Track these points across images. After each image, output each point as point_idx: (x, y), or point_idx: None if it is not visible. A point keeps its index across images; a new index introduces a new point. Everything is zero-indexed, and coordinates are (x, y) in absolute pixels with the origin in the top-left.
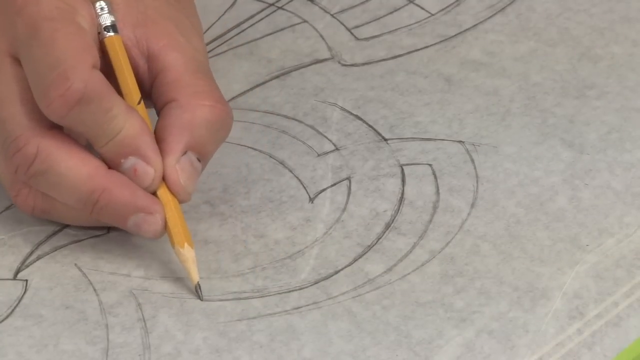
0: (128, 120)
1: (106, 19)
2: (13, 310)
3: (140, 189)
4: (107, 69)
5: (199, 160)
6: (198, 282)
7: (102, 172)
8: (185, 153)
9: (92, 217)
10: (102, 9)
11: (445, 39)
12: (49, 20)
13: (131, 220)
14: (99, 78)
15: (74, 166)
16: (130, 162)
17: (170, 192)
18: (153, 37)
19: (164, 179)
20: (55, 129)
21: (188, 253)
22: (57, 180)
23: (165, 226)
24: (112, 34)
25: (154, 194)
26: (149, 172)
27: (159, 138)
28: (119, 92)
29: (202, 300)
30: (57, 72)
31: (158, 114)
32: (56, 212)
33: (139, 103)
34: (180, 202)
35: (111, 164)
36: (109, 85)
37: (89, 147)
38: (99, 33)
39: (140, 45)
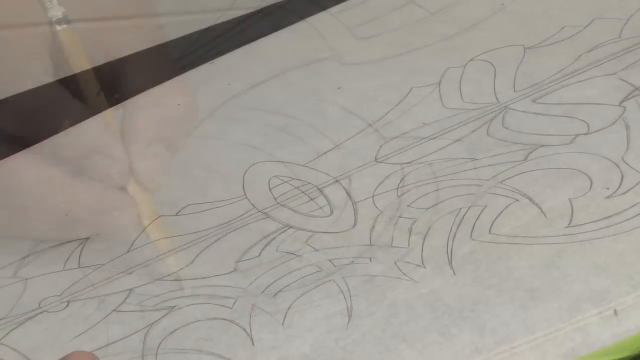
0: (86, 124)
1: (57, 11)
2: (12, 309)
3: (110, 188)
4: (64, 62)
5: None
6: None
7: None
8: (150, 144)
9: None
10: (50, 1)
11: (445, 38)
12: None
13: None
14: None
15: None
16: (95, 161)
17: (138, 184)
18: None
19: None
20: None
21: None
22: None
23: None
24: (64, 26)
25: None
26: (115, 167)
27: (126, 130)
28: (78, 83)
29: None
30: None
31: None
32: None
33: (98, 94)
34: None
35: (77, 166)
36: None
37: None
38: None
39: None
